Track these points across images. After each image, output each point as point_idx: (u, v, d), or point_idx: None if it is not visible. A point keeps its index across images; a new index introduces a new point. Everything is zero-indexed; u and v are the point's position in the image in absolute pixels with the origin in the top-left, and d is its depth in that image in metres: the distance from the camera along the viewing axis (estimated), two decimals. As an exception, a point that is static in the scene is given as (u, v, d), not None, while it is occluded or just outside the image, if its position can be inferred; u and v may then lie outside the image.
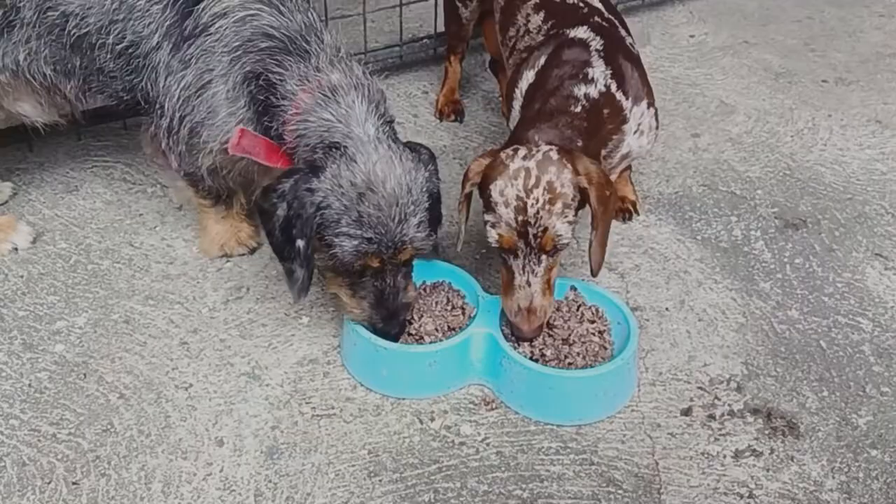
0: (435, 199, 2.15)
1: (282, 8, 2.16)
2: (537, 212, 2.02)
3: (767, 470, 2.02)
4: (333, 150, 2.03)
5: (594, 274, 2.17)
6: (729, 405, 2.17)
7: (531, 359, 2.14)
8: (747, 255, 2.62)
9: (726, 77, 3.47)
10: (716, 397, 2.19)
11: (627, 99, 2.27)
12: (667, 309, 2.44)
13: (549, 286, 2.11)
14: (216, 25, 2.13)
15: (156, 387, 2.19)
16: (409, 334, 2.24)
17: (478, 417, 2.14)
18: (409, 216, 2.04)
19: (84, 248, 2.59)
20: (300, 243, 2.03)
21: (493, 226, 2.07)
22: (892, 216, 2.76)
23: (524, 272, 2.08)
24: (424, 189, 2.08)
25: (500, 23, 2.64)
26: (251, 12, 2.14)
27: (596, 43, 2.29)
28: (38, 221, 2.67)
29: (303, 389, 2.20)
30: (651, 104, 2.34)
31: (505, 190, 2.03)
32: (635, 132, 2.29)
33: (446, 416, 2.14)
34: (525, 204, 2.02)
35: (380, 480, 1.99)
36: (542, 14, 2.45)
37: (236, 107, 2.16)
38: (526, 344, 2.18)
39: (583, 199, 2.07)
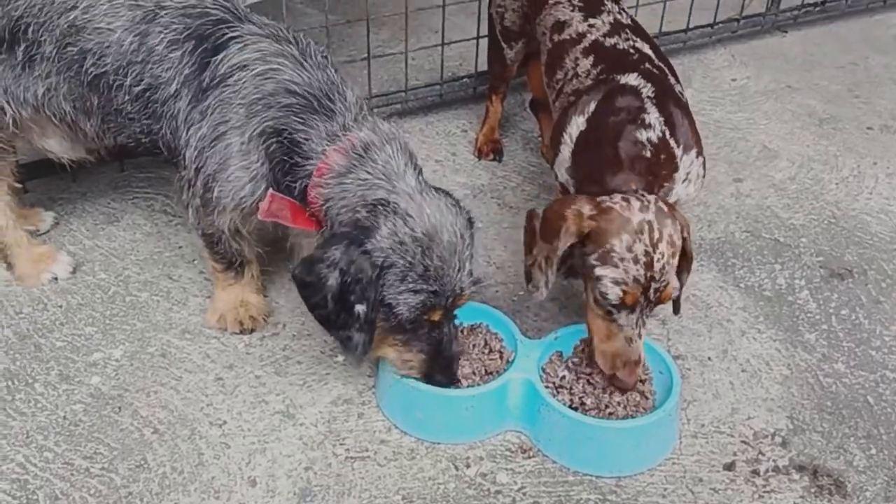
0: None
1: (305, 64, 2.12)
2: (663, 267, 2.00)
3: (814, 530, 1.96)
4: (380, 207, 1.99)
5: (677, 312, 2.23)
6: (774, 461, 2.11)
7: (570, 407, 2.10)
8: (791, 304, 2.57)
9: (769, 122, 3.44)
10: (760, 452, 2.13)
11: (679, 147, 2.24)
12: (709, 358, 2.38)
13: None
14: (235, 77, 2.09)
15: (190, 423, 2.18)
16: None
17: (514, 465, 2.10)
18: (465, 262, 2.02)
19: (123, 280, 2.59)
20: (360, 309, 1.97)
21: (617, 283, 2.00)
22: (942, 268, 2.70)
23: (636, 326, 2.05)
24: (470, 233, 2.06)
25: (547, 65, 2.63)
26: (273, 66, 2.10)
27: (647, 90, 2.27)
28: (79, 251, 2.68)
29: (337, 430, 2.17)
30: (700, 153, 2.31)
31: (633, 246, 1.99)
32: (684, 181, 2.26)
33: (482, 463, 2.10)
34: (652, 260, 1.99)
35: (414, 527, 1.95)
36: (591, 58, 2.44)
37: (249, 160, 2.10)
38: (565, 391, 2.14)
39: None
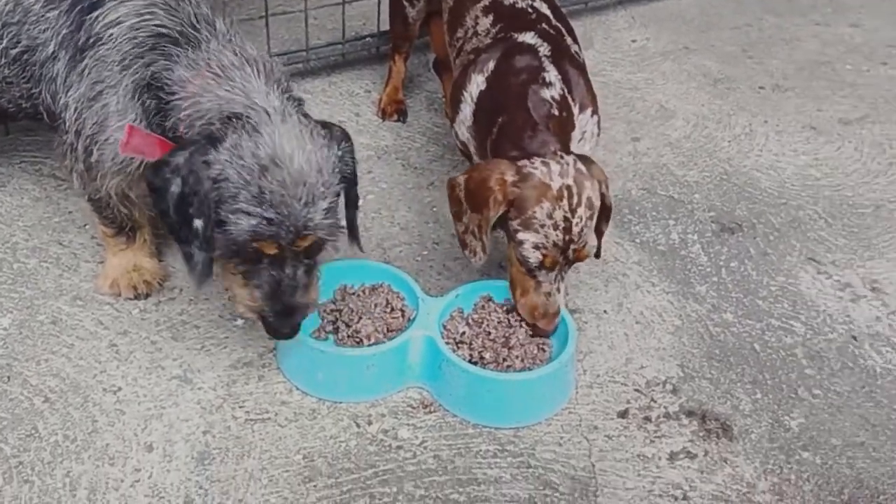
0: (350, 183, 2.02)
1: (173, 7, 2.04)
2: (581, 230, 2.07)
3: (702, 472, 2.04)
4: (234, 119, 1.86)
5: (598, 256, 2.32)
6: (665, 407, 2.19)
7: (470, 361, 2.13)
8: (684, 258, 2.65)
9: (666, 82, 3.51)
10: (652, 399, 2.20)
11: (575, 105, 2.28)
12: (605, 311, 2.45)
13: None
14: (108, 33, 2.01)
15: (83, 390, 2.12)
16: (349, 336, 2.21)
17: (416, 421, 2.12)
18: (318, 199, 1.85)
19: (10, 247, 2.50)
20: (198, 223, 1.84)
21: (537, 247, 2.07)
22: (825, 221, 2.82)
23: (554, 282, 2.12)
24: (337, 170, 1.92)
25: (448, 23, 2.62)
26: (144, 17, 2.02)
27: (544, 49, 2.30)
28: (-38, 218, 2.57)
29: (236, 393, 2.15)
30: (595, 112, 2.36)
31: (554, 213, 2.04)
32: (580, 140, 2.30)
33: (384, 420, 2.11)
34: (570, 224, 2.05)
35: (314, 486, 1.96)
36: (490, 17, 2.44)
37: (126, 120, 2.01)
38: (465, 346, 2.16)
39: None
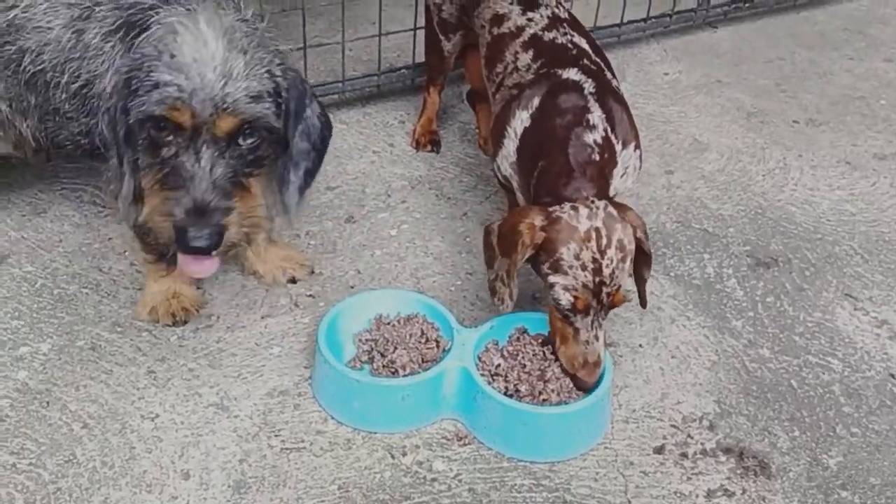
0: (293, 98, 1.92)
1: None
2: (612, 272, 2.06)
3: (739, 510, 2.02)
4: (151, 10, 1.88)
5: (645, 306, 2.29)
6: (701, 444, 2.17)
7: (505, 394, 2.13)
8: (719, 292, 2.64)
9: (700, 115, 3.52)
10: (688, 435, 2.19)
11: (618, 142, 2.28)
12: (640, 345, 2.44)
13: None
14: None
15: (121, 416, 2.14)
16: (384, 366, 2.22)
17: (450, 453, 2.12)
18: (239, 77, 1.76)
19: (51, 272, 2.53)
20: (118, 121, 1.78)
21: (567, 289, 2.06)
22: (861, 257, 2.80)
23: (591, 328, 2.11)
24: (264, 55, 1.84)
25: (487, 58, 2.64)
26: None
27: (588, 86, 2.31)
28: (4, 244, 2.61)
29: (272, 422, 2.16)
30: (637, 146, 2.36)
31: (581, 254, 2.04)
32: (622, 175, 2.30)
33: (418, 452, 2.11)
34: (601, 266, 2.04)
35: (349, 517, 1.96)
36: (531, 52, 2.46)
37: None
38: (501, 379, 2.16)
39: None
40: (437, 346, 2.27)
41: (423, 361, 2.23)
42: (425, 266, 2.67)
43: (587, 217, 2.07)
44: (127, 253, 2.61)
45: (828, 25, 4.24)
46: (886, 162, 3.27)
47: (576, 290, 2.06)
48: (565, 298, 2.07)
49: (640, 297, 2.27)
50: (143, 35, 2.05)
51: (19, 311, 2.40)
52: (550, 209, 2.11)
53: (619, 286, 2.10)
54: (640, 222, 2.16)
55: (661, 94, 3.64)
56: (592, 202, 2.11)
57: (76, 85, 2.12)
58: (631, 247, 2.10)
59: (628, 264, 2.11)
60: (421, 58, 3.25)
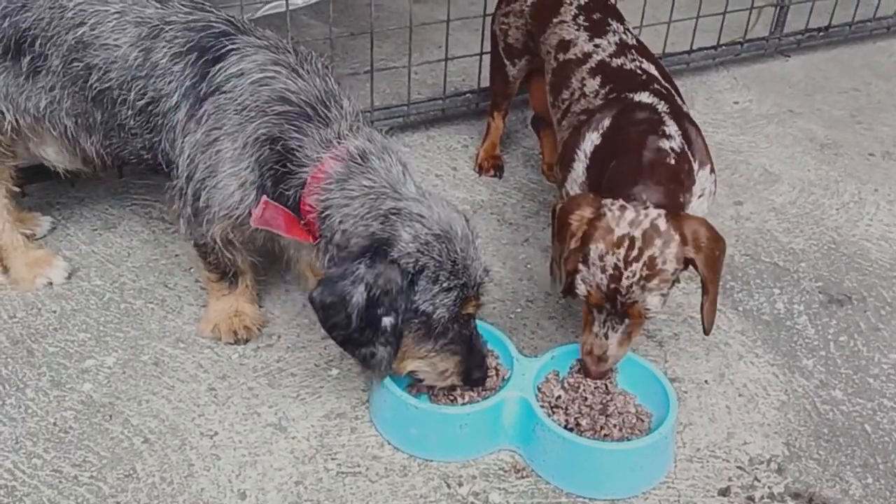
0: None
1: (301, 71, 2.11)
2: (630, 285, 2.02)
3: (808, 559, 1.94)
4: (392, 216, 1.97)
5: (707, 333, 2.17)
6: (769, 487, 2.09)
7: (566, 427, 2.08)
8: (790, 329, 2.55)
9: (770, 145, 3.44)
10: (755, 478, 2.11)
11: (695, 160, 2.24)
12: (706, 382, 2.37)
13: (628, 339, 2.14)
14: (231, 84, 2.08)
15: (181, 433, 2.16)
16: (444, 394, 2.19)
17: (507, 485, 2.08)
18: (479, 252, 2.05)
19: (118, 287, 2.58)
20: (388, 321, 1.93)
21: (584, 281, 2.07)
22: (941, 297, 2.69)
23: (604, 326, 2.11)
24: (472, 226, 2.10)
25: (552, 84, 2.62)
26: (269, 74, 2.09)
27: (662, 106, 2.28)
28: (75, 257, 2.66)
29: (329, 444, 2.15)
30: (713, 169, 2.31)
31: (605, 256, 2.02)
32: (700, 196, 2.25)
33: (475, 482, 2.08)
34: (621, 275, 2.01)
35: (404, 546, 1.93)
36: (598, 78, 2.43)
37: (238, 167, 2.08)
38: (561, 411, 2.12)
39: (688, 263, 2.07)
40: (497, 375, 2.24)
41: (482, 390, 2.20)
42: (485, 292, 2.64)
43: (629, 223, 2.02)
44: (192, 270, 2.64)
45: (906, 56, 4.13)
46: (968, 198, 3.15)
47: (590, 285, 2.05)
48: (581, 288, 2.08)
49: (704, 323, 2.16)
50: (219, 65, 2.10)
51: (87, 323, 2.45)
52: (602, 202, 2.07)
53: (636, 301, 2.03)
54: (706, 241, 2.05)
55: (731, 122, 3.57)
56: (645, 208, 2.04)
57: (142, 102, 2.16)
58: (667, 267, 2.01)
59: (655, 283, 2.02)
60: (486, 83, 3.24)
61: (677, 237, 2.02)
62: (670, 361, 2.42)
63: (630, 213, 2.03)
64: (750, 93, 3.80)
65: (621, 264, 2.00)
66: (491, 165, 3.17)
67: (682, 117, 2.29)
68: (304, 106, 2.08)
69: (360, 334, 1.95)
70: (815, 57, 4.11)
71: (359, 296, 1.91)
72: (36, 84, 2.23)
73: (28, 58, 2.20)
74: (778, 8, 4.05)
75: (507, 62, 2.97)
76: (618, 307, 2.05)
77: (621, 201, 2.06)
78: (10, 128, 2.30)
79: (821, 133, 3.53)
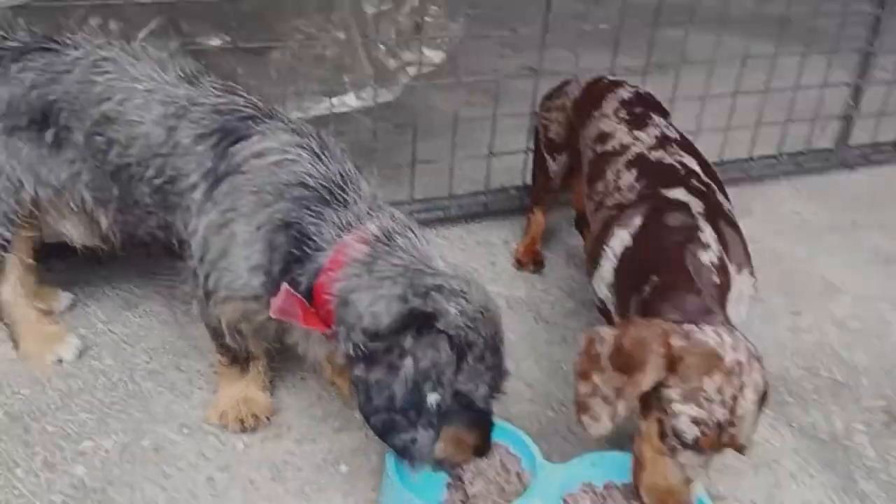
0: None
1: (322, 156, 2.03)
2: (744, 414, 1.79)
3: None
4: (434, 292, 1.84)
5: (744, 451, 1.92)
6: None
7: (589, 543, 1.86)
8: (847, 449, 2.31)
9: (832, 257, 3.24)
10: None
11: (732, 265, 2.06)
12: (753, 502, 2.13)
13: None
14: (249, 165, 2.02)
15: (171, 525, 2.00)
16: (459, 500, 2.01)
17: None
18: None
19: (129, 368, 2.48)
20: (433, 398, 1.80)
21: (697, 423, 1.79)
22: None
23: (696, 470, 1.84)
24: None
25: (588, 176, 2.51)
26: (289, 157, 2.01)
27: (696, 206, 2.12)
28: (90, 335, 2.59)
29: (329, 547, 1.97)
30: (752, 273, 2.13)
31: (723, 387, 1.77)
32: (735, 300, 2.06)
33: None
34: (736, 404, 1.78)
35: None
36: (634, 171, 2.31)
37: (251, 250, 1.98)
38: (585, 527, 1.90)
39: None
40: (519, 480, 2.04)
41: (501, 492, 2.00)
42: (516, 392, 2.46)
43: (731, 347, 1.80)
44: (208, 353, 2.53)
45: (979, 172, 3.92)
46: None
47: (707, 425, 1.77)
48: (692, 432, 1.78)
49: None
50: (239, 144, 2.05)
51: (91, 404, 2.34)
52: (686, 327, 1.84)
53: (741, 434, 1.80)
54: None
55: (790, 232, 3.39)
56: (734, 330, 1.84)
57: (160, 180, 2.11)
58: (763, 388, 1.81)
59: (759, 407, 1.81)
60: (530, 179, 3.15)
61: (759, 358, 1.84)
62: (713, 478, 2.18)
63: (728, 338, 1.81)
64: (811, 203, 3.63)
65: (738, 393, 1.77)
66: (530, 260, 3.05)
67: (717, 218, 2.12)
68: (321, 190, 1.99)
69: (403, 416, 1.80)
70: (882, 170, 3.94)
71: (407, 369, 1.78)
72: (58, 157, 2.21)
73: (52, 130, 2.18)
74: (844, 120, 3.92)
75: (547, 157, 2.90)
76: (723, 441, 1.80)
77: (710, 326, 1.84)
78: (29, 199, 2.26)
79: (886, 247, 3.32)
